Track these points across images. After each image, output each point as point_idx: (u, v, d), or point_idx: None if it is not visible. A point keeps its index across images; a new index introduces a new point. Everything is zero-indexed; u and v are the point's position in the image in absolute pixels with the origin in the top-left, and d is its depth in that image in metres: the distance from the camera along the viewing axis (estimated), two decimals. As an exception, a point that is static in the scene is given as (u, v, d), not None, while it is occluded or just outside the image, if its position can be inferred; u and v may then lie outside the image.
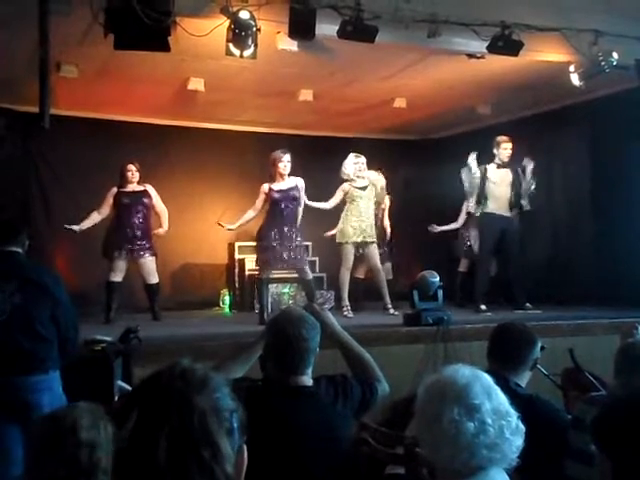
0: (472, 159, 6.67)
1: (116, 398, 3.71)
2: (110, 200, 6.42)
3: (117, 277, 6.29)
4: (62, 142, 7.12)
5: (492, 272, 7.11)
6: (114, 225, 6.43)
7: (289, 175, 6.17)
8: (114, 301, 6.28)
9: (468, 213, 7.39)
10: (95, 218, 6.39)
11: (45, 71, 4.30)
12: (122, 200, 6.40)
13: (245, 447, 1.14)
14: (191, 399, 1.08)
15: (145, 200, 6.47)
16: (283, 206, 6.10)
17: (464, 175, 6.81)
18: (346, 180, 6.63)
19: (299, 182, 6.21)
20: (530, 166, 6.68)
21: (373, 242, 6.63)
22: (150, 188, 6.55)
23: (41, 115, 4.33)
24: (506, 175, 6.73)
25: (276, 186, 6.14)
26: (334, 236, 6.75)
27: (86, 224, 6.35)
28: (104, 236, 6.44)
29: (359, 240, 6.55)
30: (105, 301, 6.28)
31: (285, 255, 6.04)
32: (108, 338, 4.17)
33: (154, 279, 6.45)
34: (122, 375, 3.98)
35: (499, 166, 6.72)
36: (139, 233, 6.35)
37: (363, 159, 6.69)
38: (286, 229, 6.08)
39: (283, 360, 2.36)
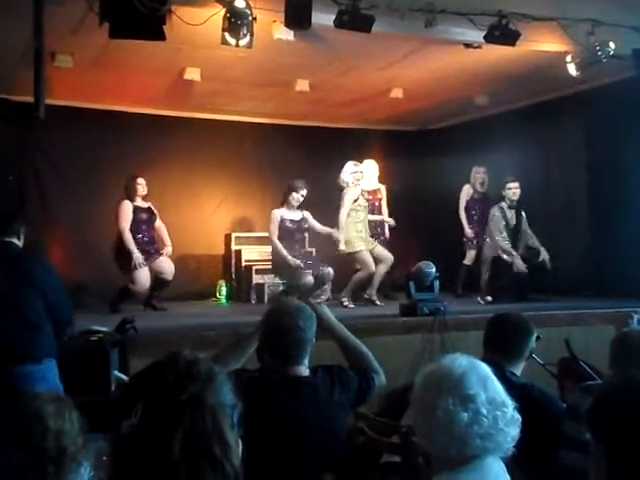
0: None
1: (113, 388, 3.72)
2: (130, 214, 6.33)
3: (142, 288, 6.34)
4: (58, 132, 7.08)
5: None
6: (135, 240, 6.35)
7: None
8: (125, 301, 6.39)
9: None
10: (129, 236, 6.28)
11: (40, 61, 4.29)
12: (139, 215, 6.42)
13: (240, 441, 1.15)
14: (202, 397, 1.08)
15: (153, 217, 6.55)
16: (294, 233, 6.44)
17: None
18: (343, 188, 6.59)
19: (306, 214, 6.48)
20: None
21: (376, 246, 6.68)
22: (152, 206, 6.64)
23: (36, 105, 4.31)
24: (513, 215, 6.94)
25: (288, 215, 6.41)
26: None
27: (132, 246, 6.22)
28: (115, 251, 6.35)
29: (370, 247, 6.58)
30: (116, 298, 6.32)
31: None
32: (104, 328, 4.18)
33: (171, 275, 6.51)
34: (118, 365, 3.99)
35: (509, 207, 6.92)
36: (155, 249, 6.44)
37: (362, 168, 6.68)
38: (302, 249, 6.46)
39: (280, 350, 2.37)
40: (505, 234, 6.84)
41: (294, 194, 6.34)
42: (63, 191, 7.42)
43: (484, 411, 1.53)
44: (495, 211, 6.93)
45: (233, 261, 7.77)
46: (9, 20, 4.82)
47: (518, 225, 6.91)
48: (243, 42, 4.71)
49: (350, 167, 6.60)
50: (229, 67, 6.24)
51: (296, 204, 6.41)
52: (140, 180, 6.51)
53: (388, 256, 6.69)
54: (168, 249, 6.54)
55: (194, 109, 7.88)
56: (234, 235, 7.87)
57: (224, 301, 7.69)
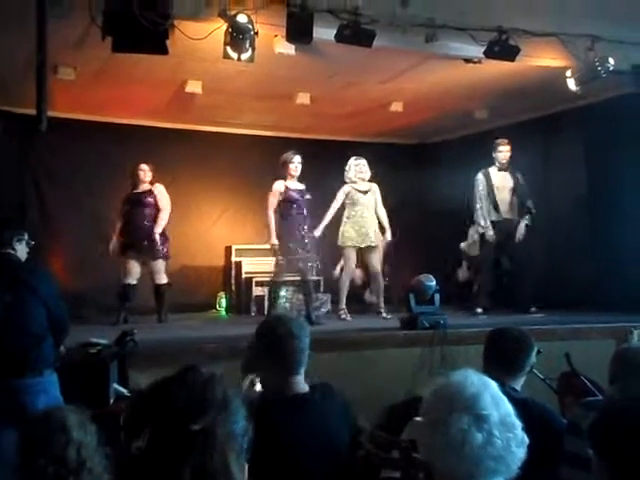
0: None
1: (111, 401, 3.70)
2: (121, 206, 6.45)
3: (132, 280, 6.29)
4: (59, 144, 7.11)
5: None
6: (122, 227, 6.42)
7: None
8: (127, 303, 6.30)
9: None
10: (116, 226, 6.45)
11: (42, 73, 4.31)
12: (127, 204, 6.42)
13: (246, 465, 1.14)
14: (213, 429, 1.06)
15: (149, 199, 6.42)
16: (299, 205, 6.16)
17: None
18: (347, 183, 6.64)
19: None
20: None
21: (375, 246, 6.59)
22: (157, 188, 6.50)
23: (38, 118, 4.33)
24: (504, 178, 6.75)
25: (292, 185, 6.18)
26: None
27: (114, 238, 6.39)
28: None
29: (362, 245, 6.52)
30: (118, 303, 6.27)
31: (301, 262, 6.07)
32: (104, 341, 4.17)
33: (162, 279, 6.40)
34: (118, 378, 3.98)
35: (499, 169, 6.75)
36: (145, 235, 6.31)
37: (363, 161, 6.69)
38: (303, 229, 6.14)
39: (276, 361, 2.36)
40: (485, 203, 6.66)
41: (290, 165, 6.12)
42: (64, 203, 7.43)
43: (497, 433, 1.50)
44: (479, 175, 6.70)
45: (233, 273, 7.77)
46: (12, 33, 4.86)
47: (511, 189, 6.63)
48: (245, 56, 4.74)
49: (352, 161, 6.67)
50: (230, 80, 6.27)
51: (296, 174, 6.18)
52: (143, 166, 6.44)
53: (376, 267, 6.57)
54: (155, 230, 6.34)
55: (195, 122, 7.91)
56: (234, 247, 7.87)
57: (224, 313, 7.68)
